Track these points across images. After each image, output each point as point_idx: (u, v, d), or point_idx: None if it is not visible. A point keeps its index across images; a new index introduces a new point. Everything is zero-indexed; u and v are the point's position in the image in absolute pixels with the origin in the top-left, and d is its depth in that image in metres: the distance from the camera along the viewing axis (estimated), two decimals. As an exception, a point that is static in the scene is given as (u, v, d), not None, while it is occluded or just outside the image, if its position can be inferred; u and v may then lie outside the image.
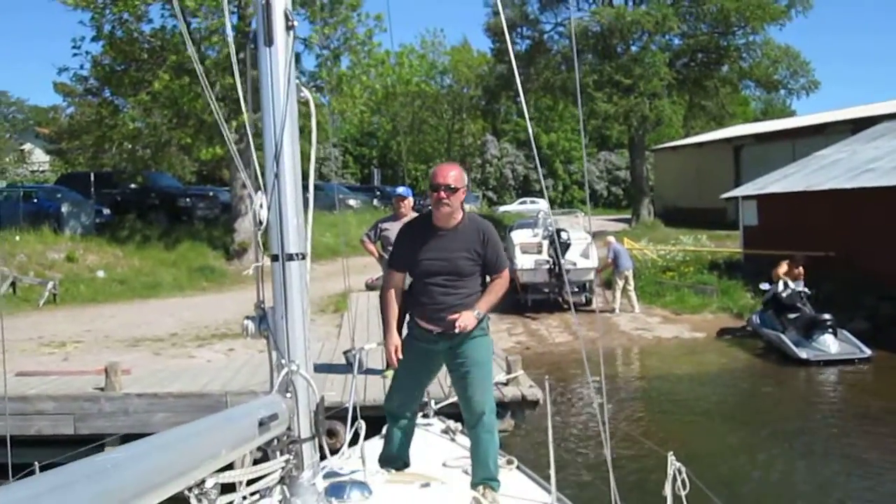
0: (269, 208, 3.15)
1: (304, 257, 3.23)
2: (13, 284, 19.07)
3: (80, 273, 21.43)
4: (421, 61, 50.17)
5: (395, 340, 4.78)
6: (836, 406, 13.35)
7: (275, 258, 3.19)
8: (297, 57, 23.27)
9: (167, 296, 20.91)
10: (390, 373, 9.12)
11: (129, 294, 20.78)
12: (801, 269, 17.09)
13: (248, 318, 3.23)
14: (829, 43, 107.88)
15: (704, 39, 38.10)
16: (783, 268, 17.05)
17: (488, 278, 4.80)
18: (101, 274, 21.76)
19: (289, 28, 3.18)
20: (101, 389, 9.22)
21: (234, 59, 3.32)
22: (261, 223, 3.16)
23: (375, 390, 9.17)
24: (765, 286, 17.24)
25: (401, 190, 9.64)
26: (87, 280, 21.11)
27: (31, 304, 18.60)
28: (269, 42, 3.15)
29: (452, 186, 4.54)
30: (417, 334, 4.83)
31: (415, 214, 9.47)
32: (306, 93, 3.37)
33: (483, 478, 4.51)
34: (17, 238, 21.42)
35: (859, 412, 12.67)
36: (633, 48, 38.01)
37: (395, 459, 4.80)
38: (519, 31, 39.21)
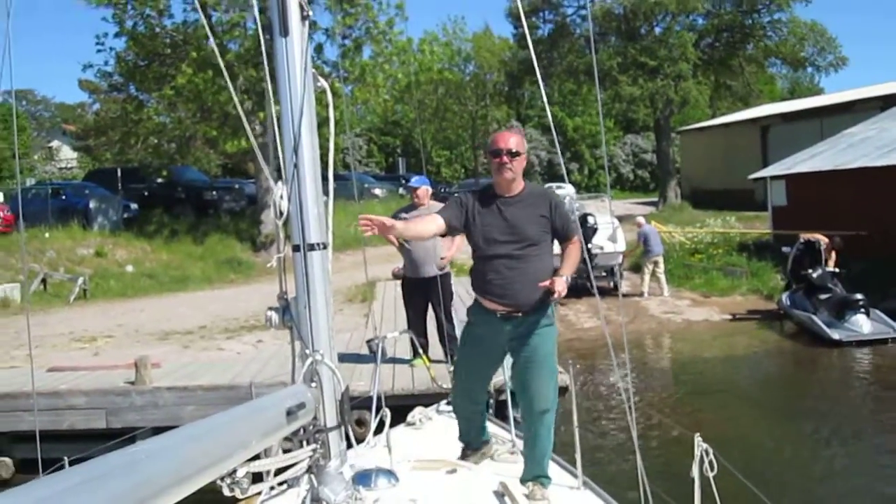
0: (289, 199, 3.15)
1: (325, 247, 3.22)
2: (44, 281, 19.30)
3: (110, 268, 21.65)
4: (444, 49, 50.01)
5: (389, 222, 4.04)
6: (869, 387, 13.18)
7: (296, 248, 3.19)
8: (320, 47, 23.41)
9: (196, 289, 21.07)
10: (418, 361, 9.16)
11: (158, 288, 20.97)
12: (834, 253, 16.94)
13: (271, 309, 3.24)
14: (855, 19, 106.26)
15: (729, 18, 37.73)
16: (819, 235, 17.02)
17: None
18: (129, 269, 21.98)
19: (304, 18, 3.18)
20: (132, 383, 9.30)
21: (263, 49, 3.33)
22: (281, 214, 3.16)
23: (404, 379, 9.20)
24: (786, 249, 17.07)
25: (414, 180, 9.54)
26: (116, 275, 21.33)
27: (61, 300, 18.80)
28: (285, 32, 3.15)
29: (514, 151, 4.31)
30: (478, 319, 4.51)
31: (434, 202, 9.48)
32: (323, 82, 3.36)
33: (535, 475, 4.33)
34: (47, 235, 21.69)
35: (893, 393, 12.53)
36: (657, 29, 37.71)
37: (469, 443, 4.74)
38: (541, 15, 39.00)
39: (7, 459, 8.96)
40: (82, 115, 45.11)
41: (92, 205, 25.13)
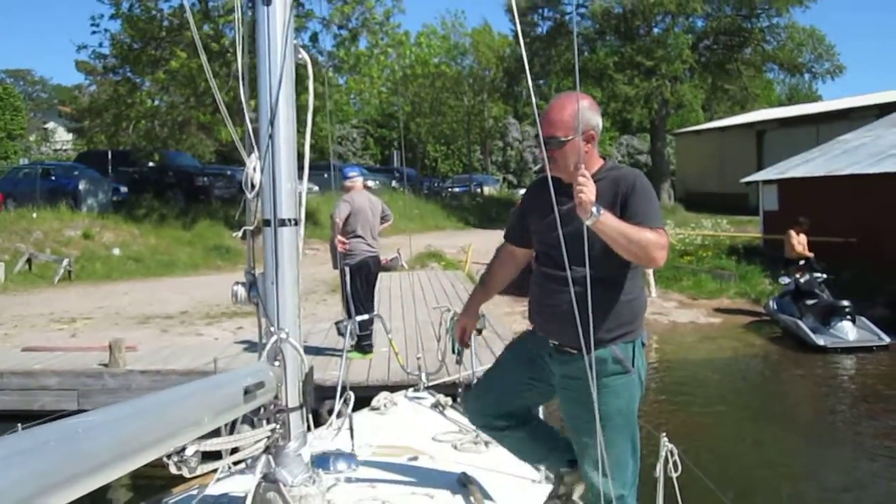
0: (262, 171, 3.06)
1: (297, 223, 3.13)
2: (29, 261, 19.17)
3: (96, 250, 21.51)
4: (442, 42, 49.83)
5: (465, 321, 3.63)
6: (852, 394, 13.16)
7: (266, 223, 3.10)
8: (315, 36, 23.30)
9: (182, 274, 20.95)
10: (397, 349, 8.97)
11: (143, 272, 20.84)
12: (804, 235, 16.84)
13: (238, 283, 3.15)
14: (854, 26, 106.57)
15: (728, 21, 37.73)
16: (793, 238, 16.91)
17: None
18: (116, 252, 21.83)
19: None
20: (105, 366, 9.20)
21: (238, 16, 3.23)
22: (253, 187, 3.07)
23: (380, 370, 9.12)
24: (784, 280, 16.95)
25: (349, 171, 9.75)
26: (102, 257, 21.19)
27: (46, 280, 18.67)
28: (268, 1, 3.06)
29: (561, 139, 3.12)
30: (531, 338, 3.51)
31: (358, 191, 9.51)
32: (304, 55, 3.27)
33: None
34: (35, 215, 21.55)
35: (874, 400, 12.48)
36: (656, 30, 37.69)
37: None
38: (540, 12, 38.94)
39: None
40: (78, 97, 44.99)
41: (81, 186, 24.88)
